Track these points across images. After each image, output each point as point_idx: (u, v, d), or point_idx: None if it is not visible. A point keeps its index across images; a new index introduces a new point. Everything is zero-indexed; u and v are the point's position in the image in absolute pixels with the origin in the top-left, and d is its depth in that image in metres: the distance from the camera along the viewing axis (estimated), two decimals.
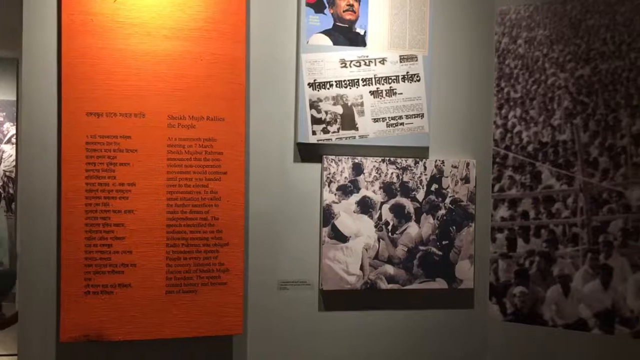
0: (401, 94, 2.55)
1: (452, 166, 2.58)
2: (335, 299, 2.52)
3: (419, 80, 2.56)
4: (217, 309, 2.34)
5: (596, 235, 2.42)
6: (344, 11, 2.50)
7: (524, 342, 2.55)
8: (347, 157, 2.50)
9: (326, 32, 2.49)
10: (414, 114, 2.56)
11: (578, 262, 2.45)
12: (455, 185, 2.58)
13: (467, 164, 2.60)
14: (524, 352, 2.55)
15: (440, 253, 2.56)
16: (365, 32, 2.52)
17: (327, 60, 2.48)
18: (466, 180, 2.59)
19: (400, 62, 2.55)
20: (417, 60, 2.56)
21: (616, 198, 2.40)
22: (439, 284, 2.56)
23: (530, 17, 2.56)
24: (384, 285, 2.52)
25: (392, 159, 2.54)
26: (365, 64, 2.52)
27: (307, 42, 2.46)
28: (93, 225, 2.24)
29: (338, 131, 2.50)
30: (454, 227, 2.58)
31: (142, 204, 2.27)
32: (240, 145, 2.37)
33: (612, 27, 2.42)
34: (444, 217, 2.57)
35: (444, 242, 2.57)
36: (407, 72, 2.55)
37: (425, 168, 2.56)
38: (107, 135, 2.25)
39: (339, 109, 2.50)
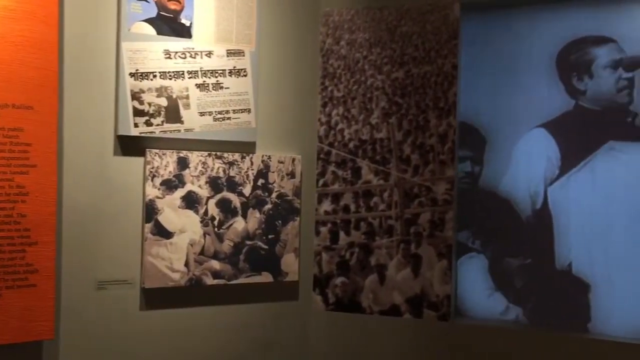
0: (228, 88, 2.53)
1: (278, 161, 2.63)
2: (158, 297, 2.44)
3: (246, 75, 2.57)
4: (25, 313, 2.15)
5: (408, 227, 2.62)
6: (168, 0, 2.43)
7: (345, 329, 2.68)
8: (171, 151, 2.44)
9: (149, 21, 2.40)
10: (241, 109, 2.56)
11: (393, 252, 2.63)
12: (282, 180, 2.64)
13: (293, 160, 2.66)
14: (345, 339, 2.68)
15: (266, 247, 2.60)
16: (191, 24, 2.47)
17: (150, 50, 2.39)
18: (292, 175, 2.65)
19: (227, 56, 2.53)
20: (244, 55, 2.56)
21: (425, 192, 2.61)
22: (265, 277, 2.60)
23: (352, 20, 2.69)
24: (209, 280, 2.49)
25: (218, 153, 2.52)
26: (191, 56, 2.47)
27: (129, 30, 2.35)
28: None
29: (162, 124, 2.42)
30: (280, 221, 2.63)
31: None
32: (51, 136, 2.19)
33: (423, 35, 2.63)
34: (270, 212, 2.61)
35: (270, 236, 2.61)
36: (234, 67, 2.54)
37: (252, 163, 2.58)
38: None
39: (163, 101, 2.42)
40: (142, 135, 2.39)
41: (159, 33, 2.41)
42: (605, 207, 2.45)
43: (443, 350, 2.59)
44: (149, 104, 2.39)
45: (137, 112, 2.37)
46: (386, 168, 2.66)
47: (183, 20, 2.46)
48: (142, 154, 2.41)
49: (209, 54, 2.50)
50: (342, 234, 2.68)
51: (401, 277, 2.62)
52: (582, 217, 2.49)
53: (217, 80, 2.52)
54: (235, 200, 2.55)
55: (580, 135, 2.51)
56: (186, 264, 2.45)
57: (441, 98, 2.60)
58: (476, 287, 2.66)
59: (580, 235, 2.49)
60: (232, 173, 2.54)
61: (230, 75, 2.54)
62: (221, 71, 2.52)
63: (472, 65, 2.65)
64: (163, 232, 2.42)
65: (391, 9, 2.66)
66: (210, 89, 2.51)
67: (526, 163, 2.60)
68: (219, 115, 2.52)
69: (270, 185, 2.61)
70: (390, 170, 2.65)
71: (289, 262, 2.64)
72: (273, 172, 2.62)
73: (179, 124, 2.45)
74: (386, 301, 2.62)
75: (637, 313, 2.40)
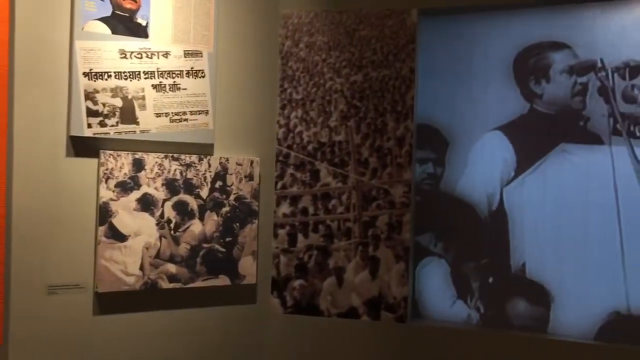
0: (185, 89, 2.50)
1: (236, 163, 2.61)
2: (112, 302, 2.39)
3: (203, 77, 2.54)
4: None
5: (366, 229, 2.63)
6: None
7: (303, 332, 2.67)
8: (127, 152, 2.39)
9: (104, 20, 2.35)
10: (199, 110, 2.54)
11: (351, 254, 2.64)
12: (240, 182, 2.62)
13: (252, 162, 2.64)
14: (303, 342, 2.68)
15: (223, 250, 2.57)
16: (147, 24, 2.43)
17: (105, 49, 2.35)
18: (250, 177, 2.64)
19: (185, 57, 2.51)
20: (202, 56, 2.54)
21: (383, 195, 2.63)
22: (222, 280, 2.57)
23: (311, 23, 2.70)
24: (165, 284, 2.45)
25: (175, 155, 2.48)
26: (147, 57, 2.43)
27: (83, 29, 2.31)
28: None
29: (117, 125, 2.38)
30: (238, 224, 2.61)
31: None
32: (1, 136, 2.13)
33: (381, 39, 2.65)
34: (228, 214, 2.59)
35: (227, 239, 2.58)
36: (192, 68, 2.52)
37: (209, 165, 2.56)
38: None
39: (118, 102, 2.38)
40: (96, 136, 2.34)
41: (114, 32, 2.37)
42: (556, 207, 2.51)
43: (400, 352, 2.61)
44: (104, 105, 2.35)
45: (91, 113, 2.32)
46: (344, 171, 2.67)
47: (139, 20, 2.42)
48: (95, 155, 2.36)
49: (166, 54, 2.47)
50: (300, 237, 2.68)
51: (359, 280, 2.63)
52: (534, 218, 2.54)
53: (174, 81, 2.48)
54: (192, 203, 2.52)
55: (534, 137, 2.56)
56: (141, 268, 2.41)
57: (399, 101, 2.63)
58: (437, 289, 2.68)
59: (533, 236, 2.55)
60: (189, 175, 2.51)
61: (188, 76, 2.51)
62: (178, 72, 2.49)
63: (431, 68, 2.69)
64: (117, 235, 2.37)
65: (350, 12, 2.68)
66: (167, 89, 2.47)
67: (483, 165, 2.65)
68: (175, 117, 2.49)
69: (228, 188, 2.59)
70: (349, 173, 2.66)
71: (247, 265, 2.62)
72: (231, 174, 2.60)
73: (134, 125, 2.41)
74: (344, 303, 2.63)
75: (589, 312, 2.46)
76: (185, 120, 2.51)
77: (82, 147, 2.34)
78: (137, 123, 2.41)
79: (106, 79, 2.35)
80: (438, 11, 2.66)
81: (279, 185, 2.70)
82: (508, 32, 2.59)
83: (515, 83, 2.61)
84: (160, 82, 2.46)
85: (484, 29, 2.63)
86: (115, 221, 2.37)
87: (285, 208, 2.69)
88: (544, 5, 2.52)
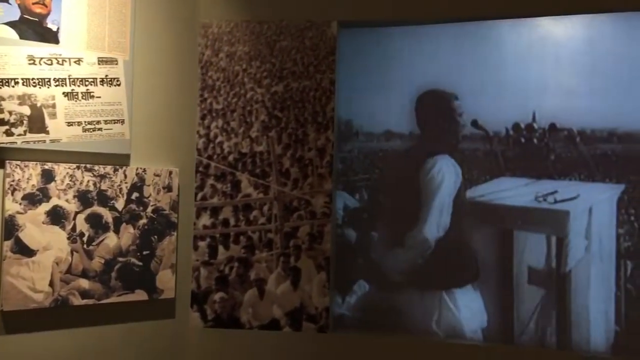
0: (99, 97, 2.42)
1: (154, 174, 2.54)
2: (19, 321, 2.25)
3: (119, 85, 2.46)
4: None
5: (287, 240, 2.63)
6: (33, 3, 2.28)
7: (224, 346, 2.62)
8: (35, 162, 2.28)
9: (11, 24, 2.24)
10: (114, 120, 2.45)
11: (272, 265, 2.63)
12: (158, 193, 2.55)
13: (170, 173, 2.58)
14: (224, 356, 2.63)
15: (140, 263, 2.49)
16: (58, 29, 2.34)
17: (12, 54, 2.23)
18: (169, 188, 2.57)
19: (99, 64, 2.42)
20: (117, 64, 2.46)
21: (304, 205, 2.63)
22: (139, 295, 2.49)
23: (231, 32, 2.68)
24: (77, 301, 2.34)
25: (88, 165, 2.39)
26: (58, 63, 2.33)
27: None
28: None
29: (25, 134, 2.26)
30: (156, 237, 2.54)
31: None
32: None
33: (301, 50, 2.67)
34: (146, 227, 2.51)
35: (144, 252, 2.50)
36: (107, 76, 2.43)
37: (125, 176, 2.47)
38: None
39: (26, 110, 2.26)
40: (2, 145, 2.21)
41: (22, 37, 2.26)
42: None
43: None
44: (10, 113, 2.23)
45: None
46: (266, 181, 2.65)
47: (49, 25, 2.32)
48: (1, 165, 2.23)
49: (79, 61, 2.37)
50: (221, 249, 2.64)
51: (281, 291, 2.61)
52: None
53: (88, 89, 2.39)
54: (107, 215, 2.42)
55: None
56: (51, 284, 2.29)
57: (320, 112, 2.65)
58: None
59: None
60: (103, 186, 2.42)
61: (102, 84, 2.43)
62: (92, 79, 2.40)
63: (351, 80, 2.72)
64: (25, 250, 2.25)
65: (270, 23, 2.68)
66: (80, 97, 2.38)
67: None
68: (89, 126, 2.39)
69: (145, 199, 2.51)
70: (270, 184, 2.65)
71: (165, 279, 2.55)
72: (148, 185, 2.53)
73: (43, 134, 2.30)
74: (266, 315, 2.61)
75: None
76: (100, 129, 2.42)
77: None
78: (47, 132, 2.30)
79: (13, 86, 2.24)
80: (357, 24, 2.71)
81: (199, 196, 2.65)
82: (420, 47, 2.67)
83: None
84: (72, 89, 2.36)
85: (402, 42, 2.70)
86: (22, 235, 2.24)
87: (205, 219, 2.64)
88: (458, 22, 2.63)
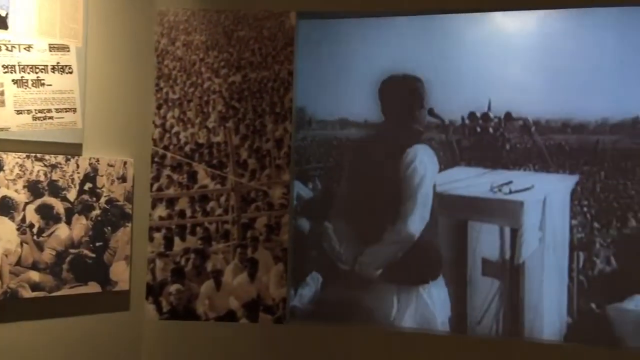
0: (50, 85, 2.36)
1: (108, 164, 2.49)
2: None
3: (71, 72, 2.41)
4: None
5: (245, 231, 2.61)
6: None
7: (180, 338, 2.60)
8: None
9: None
10: (66, 108, 2.40)
11: (229, 257, 2.61)
12: (112, 184, 2.50)
13: (125, 163, 2.53)
14: (180, 349, 2.60)
15: (93, 255, 2.44)
16: (7, 14, 2.27)
17: None
18: (123, 179, 2.53)
19: (50, 51, 2.36)
20: (69, 51, 2.40)
21: (262, 197, 2.62)
22: (92, 287, 2.44)
23: (188, 21, 2.64)
24: (27, 293, 2.29)
25: (39, 155, 2.33)
26: (7, 49, 2.26)
27: None
28: None
29: None
30: (110, 228, 2.49)
31: None
32: None
33: (259, 40, 2.64)
34: (99, 218, 2.46)
35: (97, 244, 2.46)
36: (58, 63, 2.37)
37: (77, 166, 2.42)
38: None
39: None
40: None
41: None
42: None
43: (279, 353, 2.60)
44: None
45: None
46: (223, 172, 2.63)
47: None
48: None
49: (28, 47, 2.31)
50: (177, 240, 2.61)
51: (237, 282, 2.60)
52: None
53: (38, 77, 2.33)
54: (58, 206, 2.37)
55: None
56: (0, 276, 2.24)
57: (277, 103, 2.63)
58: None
59: None
60: (54, 177, 2.36)
61: (54, 72, 2.37)
62: (42, 67, 2.34)
63: (310, 71, 2.71)
64: None
65: (228, 12, 2.65)
66: (30, 85, 2.32)
67: None
68: (39, 114, 2.33)
69: (98, 190, 2.46)
70: (227, 175, 2.63)
71: (119, 271, 2.50)
72: (102, 175, 2.48)
73: None
74: (222, 307, 2.59)
75: None
76: (51, 118, 2.36)
77: None
78: None
79: None
80: (316, 14, 2.69)
81: (155, 187, 2.62)
82: (377, 38, 2.67)
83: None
84: (22, 77, 2.30)
85: (361, 34, 2.69)
86: None
87: (161, 210, 2.61)
88: (416, 15, 2.63)
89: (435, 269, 2.61)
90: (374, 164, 2.68)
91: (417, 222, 2.59)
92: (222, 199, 2.62)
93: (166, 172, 2.62)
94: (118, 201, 2.52)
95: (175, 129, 2.63)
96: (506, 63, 2.55)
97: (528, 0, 2.53)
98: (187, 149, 2.63)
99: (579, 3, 2.46)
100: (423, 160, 2.60)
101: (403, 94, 2.66)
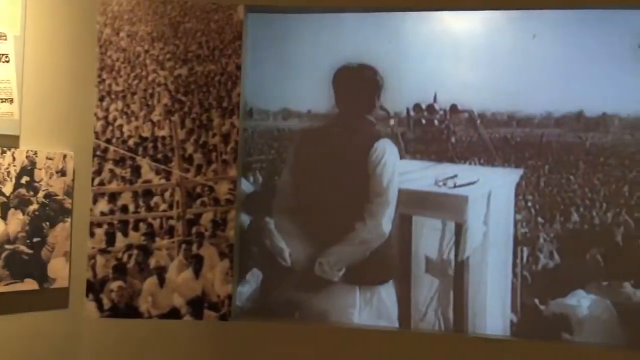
0: None
1: (46, 157, 2.41)
2: None
3: (8, 62, 2.32)
4: None
5: (190, 227, 2.56)
6: None
7: (121, 336, 2.53)
8: None
9: None
10: (2, 99, 2.31)
11: (173, 253, 2.55)
12: (50, 178, 2.42)
13: (65, 156, 2.46)
14: (121, 347, 2.53)
15: (30, 251, 2.36)
16: None
17: None
18: (63, 173, 2.45)
19: None
20: (6, 39, 2.32)
21: (208, 192, 2.57)
22: (29, 284, 2.35)
23: (132, 11, 2.58)
24: None
25: None
26: None
27: None
28: None
29: None
30: (48, 223, 2.41)
31: None
32: None
33: (207, 33, 2.60)
34: (36, 213, 2.38)
35: (35, 240, 2.37)
36: None
37: (14, 158, 2.33)
38: None
39: None
40: None
41: None
42: None
43: (223, 351, 2.56)
44: None
45: None
46: (168, 167, 2.57)
47: None
48: None
49: None
50: (119, 236, 2.54)
51: (182, 279, 2.55)
52: None
53: None
54: None
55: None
56: None
57: (225, 98, 2.60)
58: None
59: None
60: None
61: None
62: None
63: (259, 65, 2.68)
64: None
65: (174, 3, 2.60)
66: None
67: None
68: None
69: (36, 184, 2.38)
70: (172, 169, 2.57)
71: (58, 267, 2.42)
72: (40, 169, 2.39)
73: None
74: (166, 304, 2.53)
75: None
76: None
77: None
78: None
79: None
80: (265, 9, 2.66)
81: (97, 181, 2.54)
82: (329, 34, 2.65)
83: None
84: None
85: (310, 29, 2.68)
86: None
87: (103, 205, 2.54)
88: (363, 12, 2.63)
89: (392, 267, 2.60)
90: (327, 156, 2.64)
91: (388, 221, 2.57)
92: (167, 194, 2.57)
93: (108, 166, 2.55)
94: (57, 195, 2.43)
95: (119, 121, 2.57)
96: (453, 59, 2.57)
97: (475, 1, 2.56)
98: (130, 142, 2.57)
99: (521, 5, 2.50)
100: (391, 155, 2.56)
101: (360, 84, 2.62)
